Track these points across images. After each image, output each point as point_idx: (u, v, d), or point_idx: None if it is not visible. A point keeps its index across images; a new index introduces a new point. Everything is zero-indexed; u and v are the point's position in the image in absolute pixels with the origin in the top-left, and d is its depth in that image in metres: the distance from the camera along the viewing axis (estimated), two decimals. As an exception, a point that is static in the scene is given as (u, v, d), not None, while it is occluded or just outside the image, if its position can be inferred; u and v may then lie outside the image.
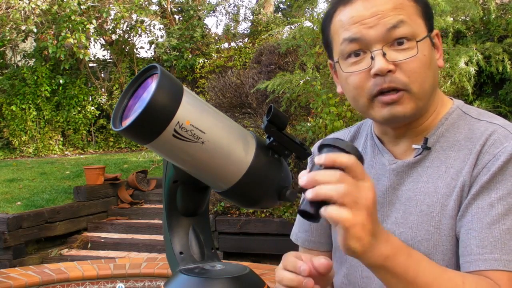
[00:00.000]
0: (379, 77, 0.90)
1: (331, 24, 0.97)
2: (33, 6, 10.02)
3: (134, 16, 11.71)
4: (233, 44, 13.25)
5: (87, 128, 11.81)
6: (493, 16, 5.43)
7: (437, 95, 0.99)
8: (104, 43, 12.01)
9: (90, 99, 11.75)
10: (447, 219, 0.91)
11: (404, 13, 0.91)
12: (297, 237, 1.15)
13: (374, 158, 1.04)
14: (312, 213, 0.73)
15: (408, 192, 0.97)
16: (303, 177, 0.73)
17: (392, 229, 0.96)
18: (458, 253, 0.90)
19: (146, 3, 11.79)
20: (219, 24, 27.80)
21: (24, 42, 11.58)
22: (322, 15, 4.75)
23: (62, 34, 10.26)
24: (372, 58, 0.90)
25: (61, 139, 11.71)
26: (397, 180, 0.99)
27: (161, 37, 12.44)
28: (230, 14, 14.70)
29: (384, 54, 0.89)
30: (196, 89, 11.77)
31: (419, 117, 0.97)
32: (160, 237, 5.69)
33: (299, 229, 1.15)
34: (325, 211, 0.70)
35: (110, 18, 11.19)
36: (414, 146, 0.98)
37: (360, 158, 0.73)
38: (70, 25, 10.34)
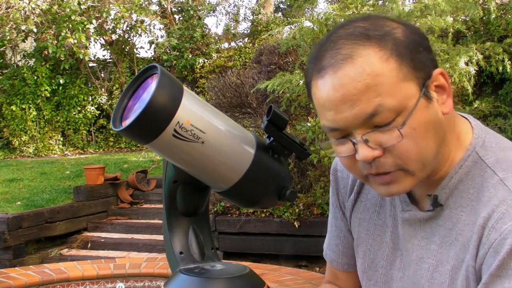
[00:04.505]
0: (365, 163, 0.81)
1: (311, 91, 0.84)
2: (33, 6, 10.01)
3: (134, 16, 11.71)
4: (233, 44, 13.24)
5: (87, 128, 11.80)
6: (493, 16, 5.42)
7: (451, 138, 0.85)
8: (104, 43, 12.01)
9: (90, 99, 11.75)
10: None
11: (381, 91, 0.75)
12: (326, 254, 1.11)
13: (391, 198, 0.95)
14: None
15: (420, 250, 0.89)
16: None
17: (407, 284, 0.90)
18: None
19: (146, 3, 11.79)
20: (219, 24, 27.78)
21: (24, 42, 11.58)
22: (322, 15, 4.75)
23: (62, 34, 10.25)
24: (354, 144, 0.79)
25: (61, 139, 11.70)
26: (410, 232, 0.91)
27: (161, 37, 12.44)
28: (230, 14, 14.70)
29: (366, 141, 0.78)
30: (196, 89, 11.76)
31: (431, 175, 0.86)
32: (160, 237, 5.69)
33: (328, 245, 1.10)
34: None
35: (110, 18, 11.19)
36: (428, 197, 0.87)
37: None
38: (70, 25, 10.34)
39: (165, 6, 12.50)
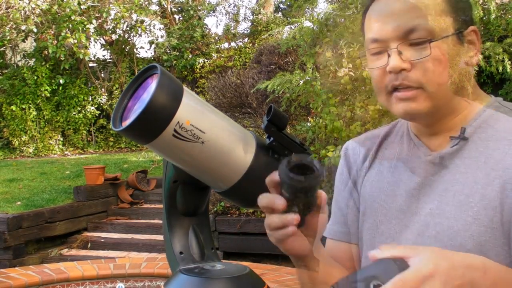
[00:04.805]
0: (393, 74, 0.92)
1: (366, 14, 0.99)
2: (33, 6, 10.02)
3: (134, 16, 11.71)
4: (233, 44, 13.24)
5: (87, 128, 11.81)
6: (493, 16, 5.42)
7: (468, 94, 0.97)
8: (104, 43, 12.01)
9: (90, 99, 11.76)
10: (487, 210, 0.88)
11: (424, 14, 0.90)
12: (330, 230, 1.13)
13: (410, 152, 1.02)
14: None
15: (444, 184, 0.94)
16: None
17: (427, 220, 0.94)
18: (498, 246, 0.87)
19: (146, 3, 11.79)
20: (219, 24, 27.81)
21: (24, 42, 11.57)
22: (322, 15, 4.75)
23: (62, 34, 10.25)
24: (389, 56, 0.92)
25: (61, 139, 11.71)
26: (433, 171, 0.97)
27: (161, 37, 12.44)
28: (230, 14, 14.69)
29: (399, 53, 0.91)
30: (196, 89, 11.77)
31: (447, 115, 0.96)
32: (160, 237, 5.69)
33: (332, 222, 1.13)
34: None
35: (110, 18, 11.19)
36: (451, 136, 0.96)
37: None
38: (70, 25, 10.34)
39: (165, 6, 12.50)
